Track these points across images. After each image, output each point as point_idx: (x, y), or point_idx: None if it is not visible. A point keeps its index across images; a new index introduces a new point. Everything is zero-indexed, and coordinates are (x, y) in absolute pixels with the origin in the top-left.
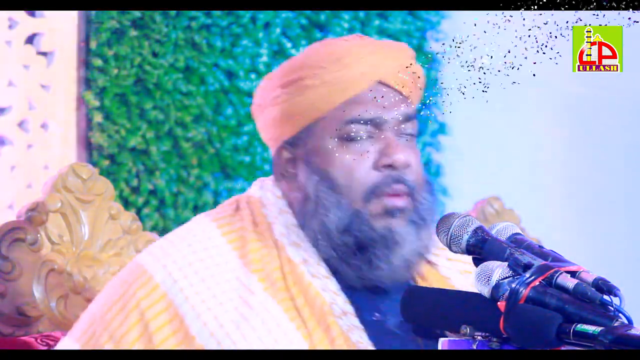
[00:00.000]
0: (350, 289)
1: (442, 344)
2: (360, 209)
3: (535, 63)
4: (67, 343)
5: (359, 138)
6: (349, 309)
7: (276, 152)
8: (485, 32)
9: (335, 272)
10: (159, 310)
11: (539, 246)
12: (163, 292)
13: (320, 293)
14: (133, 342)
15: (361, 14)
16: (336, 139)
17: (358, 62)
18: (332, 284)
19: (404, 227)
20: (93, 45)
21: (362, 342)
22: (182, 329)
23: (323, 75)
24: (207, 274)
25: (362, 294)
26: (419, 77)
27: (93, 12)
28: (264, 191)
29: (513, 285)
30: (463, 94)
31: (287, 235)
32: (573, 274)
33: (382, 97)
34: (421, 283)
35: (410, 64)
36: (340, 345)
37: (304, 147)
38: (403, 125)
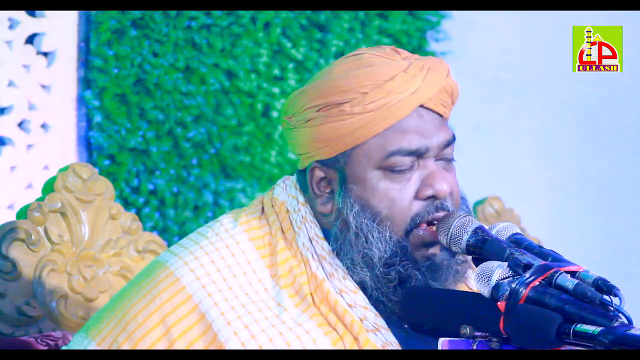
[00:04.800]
0: (376, 304)
1: (442, 344)
2: (403, 241)
3: (536, 62)
4: (86, 345)
5: (401, 169)
6: (382, 323)
7: (309, 170)
8: (485, 32)
9: (368, 295)
10: (183, 314)
11: (539, 246)
12: (188, 295)
13: (348, 310)
14: (152, 345)
15: (361, 14)
16: (378, 169)
17: (401, 87)
18: (361, 298)
19: (443, 254)
20: (93, 45)
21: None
22: (210, 332)
23: (365, 102)
24: (234, 283)
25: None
26: (454, 93)
27: (93, 12)
28: (288, 196)
29: (513, 285)
30: (463, 93)
31: (310, 247)
32: (573, 274)
33: (424, 123)
34: None
35: (449, 83)
36: None
37: (341, 171)
38: (443, 151)
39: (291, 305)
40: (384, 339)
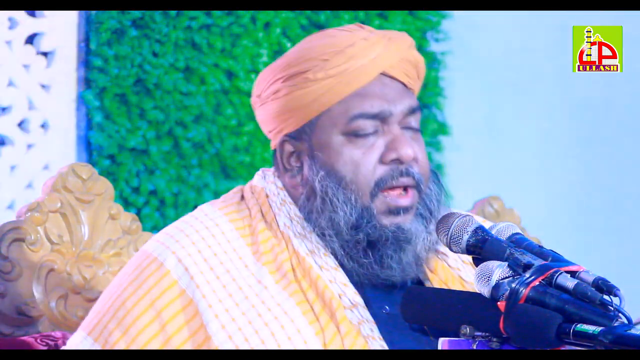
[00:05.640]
0: (357, 284)
1: (442, 344)
2: (368, 204)
3: (537, 62)
4: (77, 336)
5: (365, 133)
6: (359, 300)
7: (278, 145)
8: (485, 31)
9: (342, 265)
10: (171, 298)
11: (539, 246)
12: (174, 279)
13: (328, 286)
14: (143, 329)
15: (361, 14)
16: (342, 135)
17: (362, 53)
18: (341, 275)
19: (413, 223)
20: (93, 45)
21: (373, 335)
22: (197, 316)
23: (326, 68)
24: (215, 262)
25: (370, 288)
26: (419, 66)
27: (93, 12)
28: (267, 182)
29: (513, 285)
30: (463, 93)
31: (291, 226)
32: (573, 274)
33: (387, 89)
34: (431, 277)
35: (412, 54)
36: (352, 340)
37: (308, 141)
38: (408, 119)
39: (271, 282)
40: (360, 316)
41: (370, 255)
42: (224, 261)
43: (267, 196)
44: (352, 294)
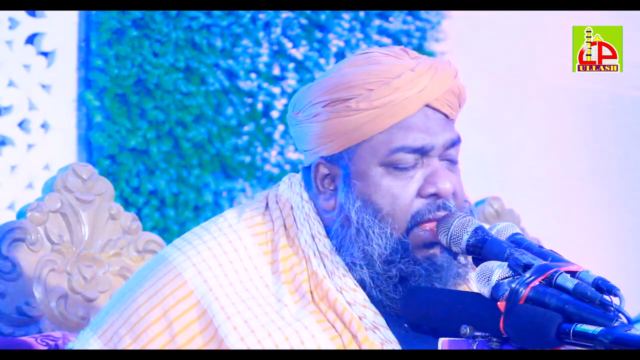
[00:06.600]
0: (378, 305)
1: (442, 344)
2: (404, 238)
3: (537, 62)
4: (87, 336)
5: (405, 166)
6: (380, 321)
7: (314, 166)
8: (485, 31)
9: (369, 295)
10: (185, 308)
11: (539, 246)
12: (190, 290)
13: (347, 308)
14: (153, 338)
15: (361, 14)
16: (381, 166)
17: (408, 85)
18: (360, 296)
19: (444, 255)
20: (93, 45)
21: None
22: (211, 328)
23: (371, 98)
24: (236, 279)
25: (390, 309)
26: (462, 96)
27: (93, 12)
28: (292, 192)
29: (513, 285)
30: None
31: (312, 245)
32: (573, 274)
33: (430, 122)
34: None
35: (456, 85)
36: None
37: (345, 168)
38: (448, 151)
39: (291, 301)
40: (383, 337)
41: (400, 291)
42: (244, 280)
43: (291, 208)
44: (373, 315)
